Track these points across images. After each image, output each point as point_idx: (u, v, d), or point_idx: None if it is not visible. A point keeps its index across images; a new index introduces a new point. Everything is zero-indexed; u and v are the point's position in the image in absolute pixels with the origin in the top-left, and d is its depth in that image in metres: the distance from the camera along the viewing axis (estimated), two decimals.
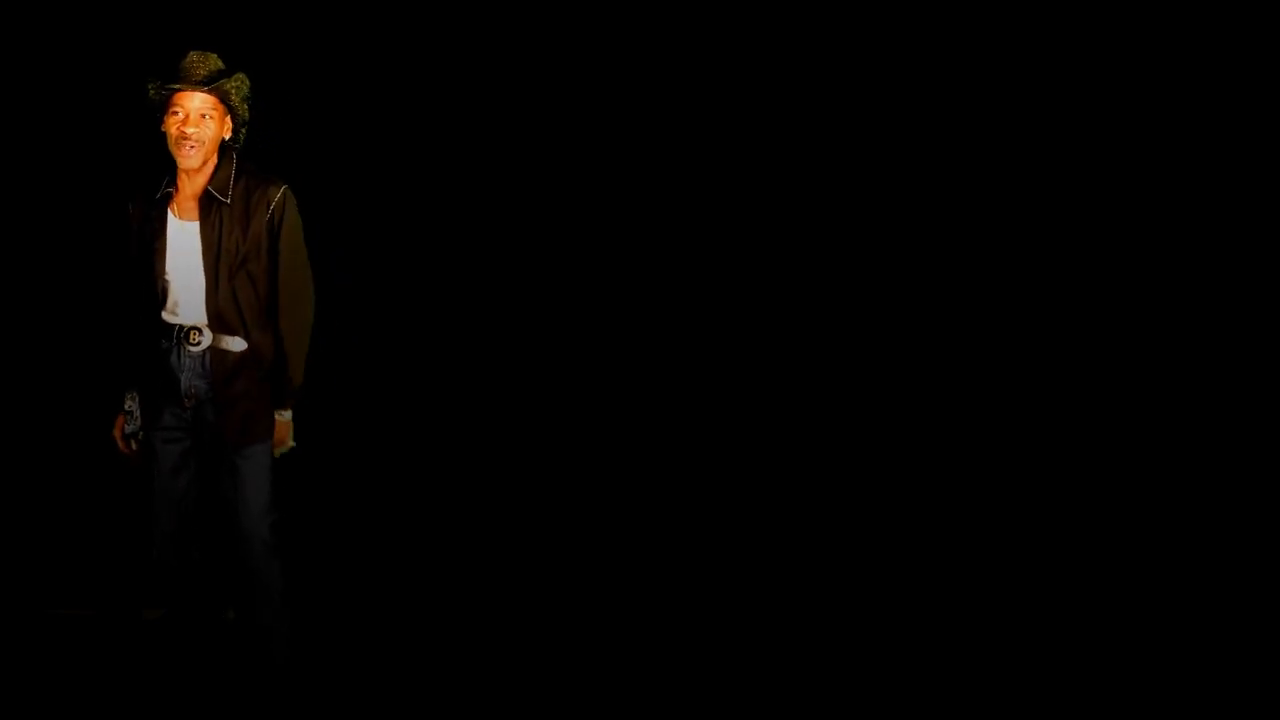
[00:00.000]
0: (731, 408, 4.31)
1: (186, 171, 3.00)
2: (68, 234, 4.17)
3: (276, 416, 3.07)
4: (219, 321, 2.99)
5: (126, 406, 3.11)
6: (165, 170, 3.06)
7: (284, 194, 3.03)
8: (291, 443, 3.10)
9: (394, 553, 4.15)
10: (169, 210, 3.02)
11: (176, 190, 3.03)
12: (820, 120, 4.30)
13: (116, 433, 3.15)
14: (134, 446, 3.11)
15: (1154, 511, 4.04)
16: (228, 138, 3.02)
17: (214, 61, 3.01)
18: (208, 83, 2.94)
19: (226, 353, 3.01)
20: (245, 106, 3.03)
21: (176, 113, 2.95)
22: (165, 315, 3.02)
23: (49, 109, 4.14)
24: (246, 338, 3.02)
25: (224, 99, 2.99)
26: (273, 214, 3.01)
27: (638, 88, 4.32)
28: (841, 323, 4.29)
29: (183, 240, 3.01)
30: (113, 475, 4.12)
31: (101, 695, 3.02)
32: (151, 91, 2.98)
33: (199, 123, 2.95)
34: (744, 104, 4.32)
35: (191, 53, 3.00)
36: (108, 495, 4.13)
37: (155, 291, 3.02)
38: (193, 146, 2.95)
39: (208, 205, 2.99)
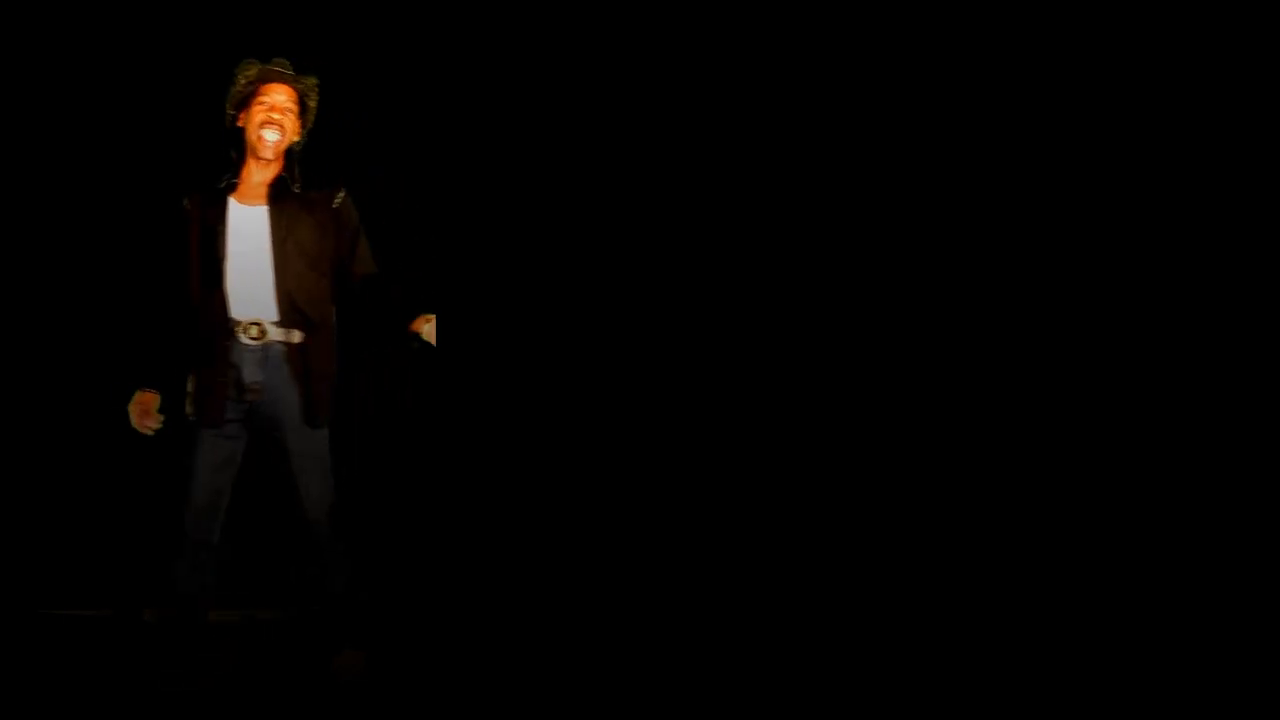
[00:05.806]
0: (736, 412, 4.32)
1: (260, 160, 3.11)
2: (70, 233, 4.19)
3: (423, 323, 3.17)
4: (285, 308, 3.04)
5: (189, 389, 3.07)
6: (221, 167, 3.17)
7: (345, 195, 3.19)
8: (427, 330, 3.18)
9: (394, 552, 4.17)
10: (229, 199, 3.10)
11: (240, 181, 3.12)
12: (821, 122, 4.31)
13: (149, 411, 3.07)
14: (155, 428, 3.06)
15: (1154, 511, 4.05)
16: (296, 140, 3.18)
17: (291, 68, 3.21)
18: (297, 79, 3.15)
19: (288, 345, 3.05)
20: (313, 114, 3.21)
21: (263, 103, 3.10)
22: (227, 307, 3.03)
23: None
24: (306, 327, 3.07)
25: (303, 98, 3.17)
26: (339, 211, 3.16)
27: (636, 89, 4.33)
28: (842, 324, 4.30)
29: (246, 226, 3.08)
30: (111, 475, 4.15)
31: (101, 695, 3.02)
32: (241, 83, 3.14)
33: (284, 113, 3.11)
34: (750, 111, 4.33)
35: (276, 58, 3.18)
36: (108, 495, 4.15)
37: (214, 281, 3.04)
38: (277, 131, 3.09)
39: (280, 192, 3.11)
